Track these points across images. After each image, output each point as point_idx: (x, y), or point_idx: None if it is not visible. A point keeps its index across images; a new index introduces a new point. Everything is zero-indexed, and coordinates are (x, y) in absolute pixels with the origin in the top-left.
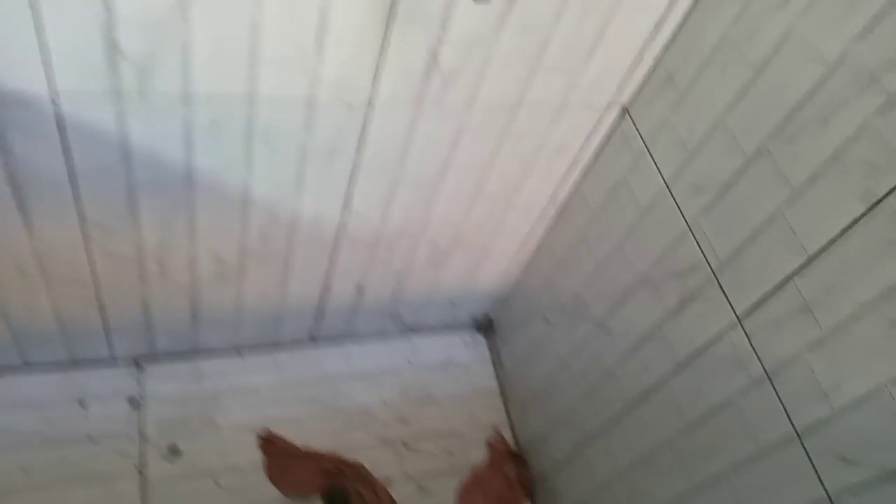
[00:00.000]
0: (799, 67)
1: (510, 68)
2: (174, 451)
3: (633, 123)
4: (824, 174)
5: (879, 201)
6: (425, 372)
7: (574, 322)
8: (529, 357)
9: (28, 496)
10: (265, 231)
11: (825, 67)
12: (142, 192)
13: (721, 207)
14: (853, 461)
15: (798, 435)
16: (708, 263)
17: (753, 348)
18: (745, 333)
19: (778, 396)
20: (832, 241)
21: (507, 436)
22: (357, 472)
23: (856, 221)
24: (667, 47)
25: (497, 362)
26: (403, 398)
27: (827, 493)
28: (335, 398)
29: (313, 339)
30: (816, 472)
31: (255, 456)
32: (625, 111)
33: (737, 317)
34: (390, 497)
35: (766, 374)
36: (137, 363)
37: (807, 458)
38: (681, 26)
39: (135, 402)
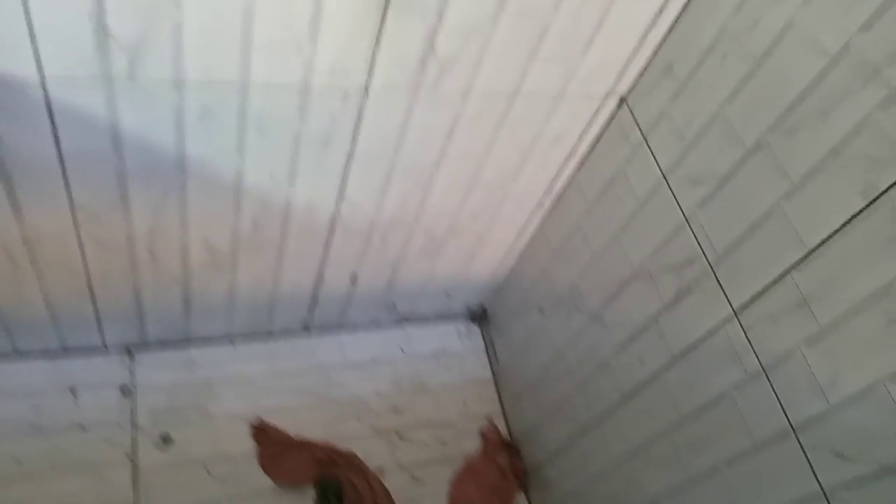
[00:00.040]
0: (800, 59)
1: (507, 56)
2: (166, 440)
3: (632, 114)
4: (824, 168)
5: (880, 196)
6: (419, 362)
7: (569, 313)
8: (524, 347)
9: (19, 485)
10: (258, 219)
11: (826, 60)
12: (132, 178)
13: (719, 200)
14: (849, 457)
15: (793, 429)
16: (705, 256)
17: (749, 342)
18: (742, 327)
19: (774, 391)
20: (831, 236)
21: (501, 426)
22: (350, 462)
23: (855, 216)
24: (666, 37)
25: (491, 352)
26: (397, 388)
27: (821, 488)
28: (328, 388)
29: (306, 328)
30: (811, 466)
31: (248, 445)
32: (623, 101)
33: (733, 310)
34: (383, 487)
35: (762, 368)
36: (129, 351)
37: (802, 453)
38: (680, 16)
39: (126, 391)
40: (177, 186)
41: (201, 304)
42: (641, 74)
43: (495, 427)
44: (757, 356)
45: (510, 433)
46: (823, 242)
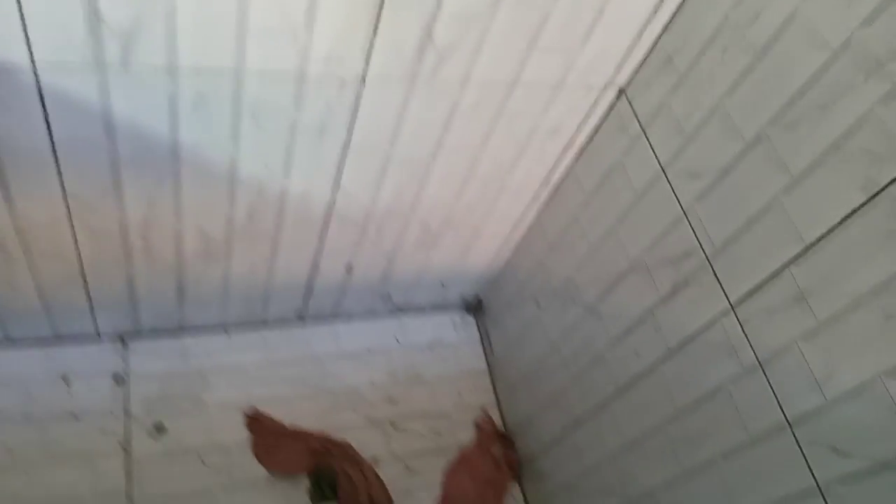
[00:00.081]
0: (802, 52)
1: (506, 45)
2: (159, 429)
3: (630, 106)
4: (824, 162)
5: (880, 191)
6: (414, 352)
7: (565, 305)
8: (519, 339)
9: (11, 474)
10: (253, 208)
11: (829, 53)
12: (125, 166)
13: (717, 193)
14: (845, 452)
15: (789, 424)
16: (702, 250)
17: (746, 336)
18: (739, 321)
19: (770, 385)
20: (830, 231)
21: (496, 417)
22: (344, 452)
23: (855, 211)
24: (666, 28)
25: (486, 343)
26: (392, 378)
27: (817, 483)
28: (323, 378)
29: (301, 317)
30: (807, 461)
31: (242, 434)
32: (622, 93)
33: (730, 304)
34: (377, 477)
35: (759, 363)
36: (122, 340)
37: (797, 448)
38: (681, 7)
39: (120, 380)
40: (171, 174)
41: (195, 293)
42: (641, 66)
43: (490, 418)
44: (753, 350)
45: (505, 424)
46: (822, 237)
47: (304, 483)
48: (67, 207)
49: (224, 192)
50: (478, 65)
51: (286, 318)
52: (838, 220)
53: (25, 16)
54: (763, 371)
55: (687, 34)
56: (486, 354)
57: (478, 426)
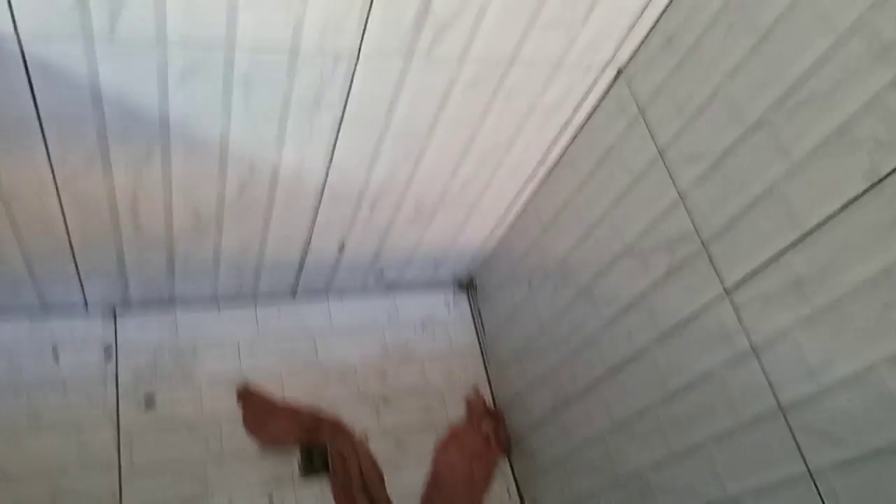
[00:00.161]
0: (808, 35)
1: (506, 21)
2: (149, 401)
3: (629, 87)
4: (827, 148)
5: (884, 179)
6: (406, 329)
7: (557, 286)
8: (510, 318)
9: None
10: (244, 182)
11: (836, 36)
12: (113, 137)
13: (716, 178)
14: (837, 439)
15: (782, 410)
16: (698, 234)
17: (741, 322)
18: (733, 306)
19: (763, 371)
20: (830, 218)
21: (486, 394)
22: (335, 427)
23: (857, 199)
24: (668, 7)
25: (478, 322)
26: (383, 354)
27: (808, 469)
28: (315, 353)
29: (293, 293)
30: (799, 448)
31: (232, 407)
32: (621, 73)
33: (725, 290)
34: (368, 451)
35: (753, 349)
36: (112, 312)
37: (790, 434)
38: None
39: (109, 351)
40: (160, 147)
41: (185, 266)
42: (641, 46)
43: (480, 395)
44: (747, 336)
45: (495, 402)
46: (821, 224)
47: (295, 456)
48: (54, 177)
49: (215, 166)
50: (477, 40)
51: (278, 293)
52: (839, 207)
53: None
54: (757, 357)
55: (689, 13)
56: (477, 333)
57: (468, 403)
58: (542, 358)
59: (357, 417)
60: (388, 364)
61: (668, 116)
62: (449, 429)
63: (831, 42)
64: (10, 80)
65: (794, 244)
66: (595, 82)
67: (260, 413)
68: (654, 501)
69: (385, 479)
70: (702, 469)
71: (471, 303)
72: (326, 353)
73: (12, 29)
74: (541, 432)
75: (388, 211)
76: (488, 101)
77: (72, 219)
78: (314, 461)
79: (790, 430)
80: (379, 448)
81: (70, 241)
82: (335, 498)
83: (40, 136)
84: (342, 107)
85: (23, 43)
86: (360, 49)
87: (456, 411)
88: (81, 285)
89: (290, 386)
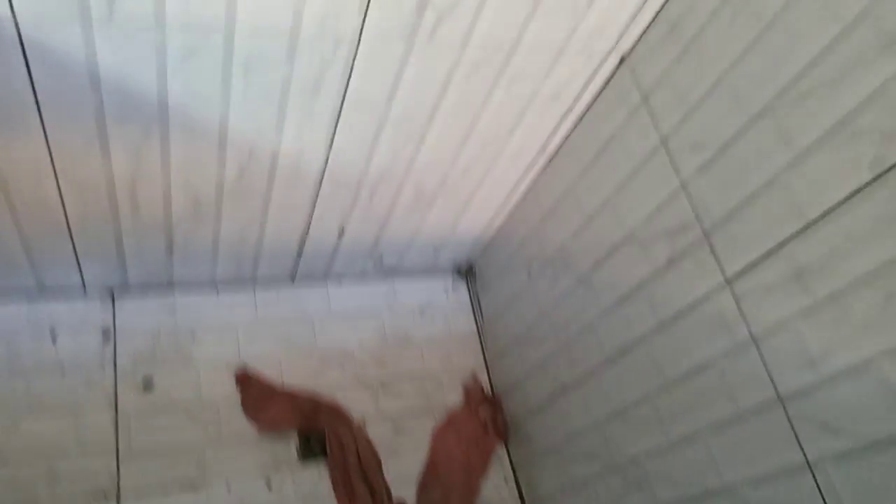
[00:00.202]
0: (814, 23)
1: (509, 5)
2: (147, 384)
3: (632, 75)
4: (832, 138)
5: (889, 170)
6: (405, 315)
7: (557, 274)
8: (509, 305)
9: None
10: (244, 167)
11: (843, 25)
12: (111, 119)
13: (718, 167)
14: (836, 429)
15: (781, 400)
16: (700, 223)
17: (741, 311)
18: (734, 296)
19: (763, 361)
20: (833, 209)
21: (483, 380)
22: (333, 412)
23: (861, 189)
24: None
25: (477, 308)
26: (382, 340)
27: (806, 459)
28: (313, 338)
29: (292, 278)
30: (797, 437)
31: (230, 391)
32: (624, 61)
33: (725, 279)
34: (366, 437)
35: (752, 339)
36: (111, 295)
37: (788, 424)
38: None
39: (108, 334)
40: (158, 129)
41: (184, 250)
42: (644, 32)
43: (478, 381)
44: (748, 326)
45: (492, 388)
46: (825, 215)
47: (293, 440)
48: (52, 160)
49: (214, 150)
50: (479, 24)
51: (277, 278)
52: (842, 197)
53: None
54: (756, 347)
55: (694, 1)
56: (476, 319)
57: (466, 389)
58: (540, 345)
59: (355, 402)
60: (386, 350)
61: (670, 105)
62: (447, 415)
63: (837, 31)
64: (8, 63)
65: (796, 234)
66: (598, 69)
67: (258, 397)
68: (651, 489)
69: (382, 463)
70: (699, 458)
71: (470, 289)
72: (325, 338)
73: (9, 12)
74: (538, 419)
75: (388, 197)
76: (490, 88)
77: (70, 202)
78: (312, 446)
79: (789, 420)
80: (377, 433)
81: (68, 224)
82: (333, 482)
83: (38, 119)
84: (342, 91)
85: (20, 26)
86: (361, 33)
87: (454, 397)
88: (80, 268)
89: (288, 370)
